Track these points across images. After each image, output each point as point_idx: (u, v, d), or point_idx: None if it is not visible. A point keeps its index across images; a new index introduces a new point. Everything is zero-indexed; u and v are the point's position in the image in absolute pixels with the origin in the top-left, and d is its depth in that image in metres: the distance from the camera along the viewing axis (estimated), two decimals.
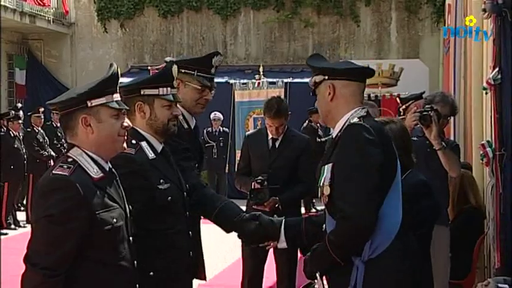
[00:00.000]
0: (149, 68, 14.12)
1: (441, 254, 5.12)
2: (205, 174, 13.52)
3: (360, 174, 3.04)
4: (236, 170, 6.66)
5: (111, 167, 3.02)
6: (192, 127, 3.98)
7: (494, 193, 5.07)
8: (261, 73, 15.43)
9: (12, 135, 12.08)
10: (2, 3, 15.12)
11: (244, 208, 5.81)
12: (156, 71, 3.86)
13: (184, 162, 3.70)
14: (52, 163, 10.59)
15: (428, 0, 17.38)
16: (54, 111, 11.00)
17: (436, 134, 5.11)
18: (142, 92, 3.47)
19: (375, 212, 3.05)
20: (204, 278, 3.86)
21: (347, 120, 3.20)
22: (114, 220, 2.89)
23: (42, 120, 13.00)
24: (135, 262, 3.02)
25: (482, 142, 5.23)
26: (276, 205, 5.38)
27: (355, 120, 3.17)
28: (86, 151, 2.91)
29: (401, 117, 6.23)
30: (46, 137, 12.90)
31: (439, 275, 4.87)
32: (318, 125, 13.94)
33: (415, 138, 5.16)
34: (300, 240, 3.50)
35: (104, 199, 2.87)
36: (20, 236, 11.03)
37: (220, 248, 8.70)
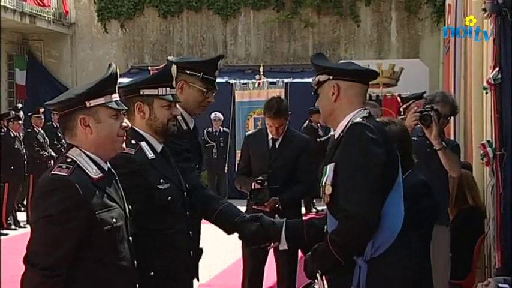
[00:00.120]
0: (149, 68, 14.11)
1: (441, 254, 5.12)
2: (205, 174, 13.53)
3: (362, 173, 3.03)
4: (236, 170, 6.66)
5: (110, 167, 3.01)
6: (191, 128, 3.98)
7: (494, 193, 5.07)
8: (261, 73, 15.44)
9: (12, 135, 12.08)
10: (2, 3, 15.12)
11: (244, 208, 5.84)
12: (156, 71, 3.86)
13: (184, 164, 3.71)
14: (52, 163, 10.60)
15: (428, 0, 17.37)
16: (54, 112, 10.98)
17: (436, 133, 5.11)
18: (141, 92, 3.47)
19: (378, 211, 3.04)
20: (197, 279, 3.85)
21: (349, 121, 3.20)
22: (114, 220, 2.89)
23: (43, 120, 13.00)
24: (135, 262, 3.02)
25: (483, 142, 5.22)
26: (276, 205, 5.38)
27: (358, 120, 3.17)
28: (85, 151, 2.91)
29: (401, 116, 6.23)
30: (46, 138, 12.90)
31: (440, 275, 4.87)
32: (318, 125, 13.94)
33: (415, 138, 5.15)
34: (301, 242, 3.50)
35: (103, 199, 2.87)
36: (20, 236, 11.03)
37: (220, 248, 8.69)
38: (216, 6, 18.13)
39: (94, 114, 2.90)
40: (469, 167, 6.71)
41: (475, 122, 6.89)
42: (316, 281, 3.27)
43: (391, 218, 3.10)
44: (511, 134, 4.70)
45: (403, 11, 17.65)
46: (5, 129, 12.08)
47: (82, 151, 2.91)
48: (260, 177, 5.52)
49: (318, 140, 13.37)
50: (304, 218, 5.89)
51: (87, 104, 2.88)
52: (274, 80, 15.46)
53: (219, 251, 8.84)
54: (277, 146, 5.71)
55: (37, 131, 12.77)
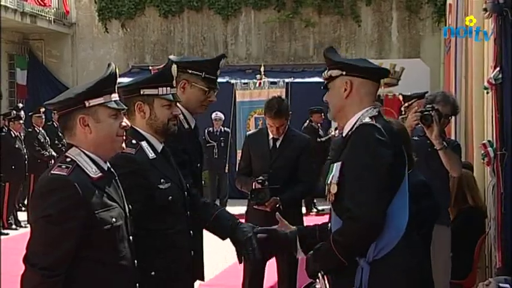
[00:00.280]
0: (150, 68, 14.11)
1: (442, 253, 5.12)
2: (206, 174, 13.52)
3: (370, 173, 3.00)
4: (237, 170, 6.65)
5: (109, 166, 3.01)
6: (192, 127, 3.98)
7: (495, 193, 5.06)
8: (262, 73, 15.44)
9: (13, 135, 12.08)
10: (3, 3, 15.12)
11: (245, 208, 5.84)
12: (157, 71, 3.87)
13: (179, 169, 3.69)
14: (53, 163, 10.60)
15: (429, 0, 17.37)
16: (54, 111, 10.99)
17: (437, 133, 5.11)
18: (142, 92, 3.47)
19: (384, 210, 3.01)
20: (202, 278, 3.85)
21: (358, 119, 3.16)
22: (114, 219, 2.89)
23: (44, 120, 13.00)
24: (135, 261, 3.01)
25: (484, 142, 5.22)
26: (277, 205, 5.38)
27: (367, 119, 3.13)
28: (85, 151, 2.91)
29: (402, 116, 6.23)
30: (47, 137, 12.90)
31: (440, 275, 4.86)
32: (319, 124, 13.96)
33: (416, 138, 5.16)
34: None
35: (102, 198, 2.87)
36: (21, 236, 11.02)
37: (220, 248, 8.67)
38: (217, 6, 18.12)
39: (93, 113, 2.90)
40: (469, 166, 6.70)
41: (476, 122, 6.89)
42: (318, 280, 3.25)
43: (396, 219, 3.07)
44: None
45: (404, 10, 17.64)
46: (6, 128, 12.09)
47: (81, 151, 2.91)
48: (261, 177, 5.51)
49: (319, 139, 13.38)
50: (304, 217, 5.91)
51: (87, 104, 2.88)
52: (275, 80, 15.45)
53: (220, 250, 8.82)
54: (277, 145, 5.71)
55: (38, 130, 12.77)
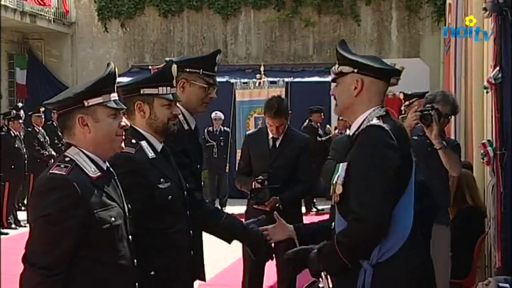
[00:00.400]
0: (150, 67, 14.11)
1: (442, 253, 5.11)
2: (205, 173, 13.52)
3: (377, 173, 2.96)
4: (237, 169, 6.65)
5: (109, 166, 3.01)
6: (193, 128, 3.98)
7: (495, 192, 5.07)
8: (262, 72, 15.43)
9: (13, 134, 12.09)
10: (3, 2, 15.11)
11: (244, 208, 5.84)
12: (157, 71, 3.87)
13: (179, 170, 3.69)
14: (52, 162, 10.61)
15: None
16: (53, 111, 10.99)
17: (436, 133, 5.11)
18: (141, 92, 3.47)
19: (389, 211, 2.98)
20: (204, 279, 3.86)
21: (365, 119, 3.12)
22: (113, 219, 2.89)
23: (43, 119, 13.00)
24: (135, 261, 3.01)
25: (483, 141, 5.22)
26: (277, 205, 5.38)
27: (375, 120, 3.08)
28: (84, 150, 2.91)
29: (402, 115, 6.22)
30: (47, 137, 12.89)
31: (440, 275, 4.84)
32: (319, 124, 13.95)
33: (415, 137, 5.16)
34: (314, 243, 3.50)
35: (101, 198, 2.87)
36: (20, 235, 11.01)
37: (220, 248, 8.67)
38: (217, 6, 18.11)
39: (92, 113, 2.90)
40: (469, 166, 6.70)
41: (476, 122, 6.89)
42: (321, 279, 3.24)
43: (402, 222, 3.04)
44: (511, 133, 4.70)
45: (404, 10, 17.64)
46: (6, 128, 12.09)
47: (80, 150, 2.91)
48: (260, 177, 5.52)
49: (318, 139, 13.37)
50: (304, 217, 5.92)
51: (86, 103, 2.88)
52: (275, 80, 15.45)
53: (220, 250, 8.82)
54: (277, 145, 5.71)
55: (37, 130, 12.77)
